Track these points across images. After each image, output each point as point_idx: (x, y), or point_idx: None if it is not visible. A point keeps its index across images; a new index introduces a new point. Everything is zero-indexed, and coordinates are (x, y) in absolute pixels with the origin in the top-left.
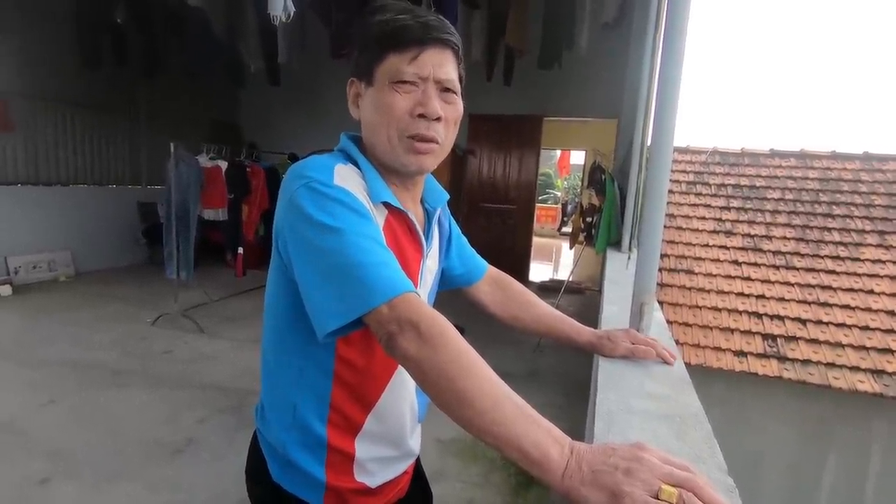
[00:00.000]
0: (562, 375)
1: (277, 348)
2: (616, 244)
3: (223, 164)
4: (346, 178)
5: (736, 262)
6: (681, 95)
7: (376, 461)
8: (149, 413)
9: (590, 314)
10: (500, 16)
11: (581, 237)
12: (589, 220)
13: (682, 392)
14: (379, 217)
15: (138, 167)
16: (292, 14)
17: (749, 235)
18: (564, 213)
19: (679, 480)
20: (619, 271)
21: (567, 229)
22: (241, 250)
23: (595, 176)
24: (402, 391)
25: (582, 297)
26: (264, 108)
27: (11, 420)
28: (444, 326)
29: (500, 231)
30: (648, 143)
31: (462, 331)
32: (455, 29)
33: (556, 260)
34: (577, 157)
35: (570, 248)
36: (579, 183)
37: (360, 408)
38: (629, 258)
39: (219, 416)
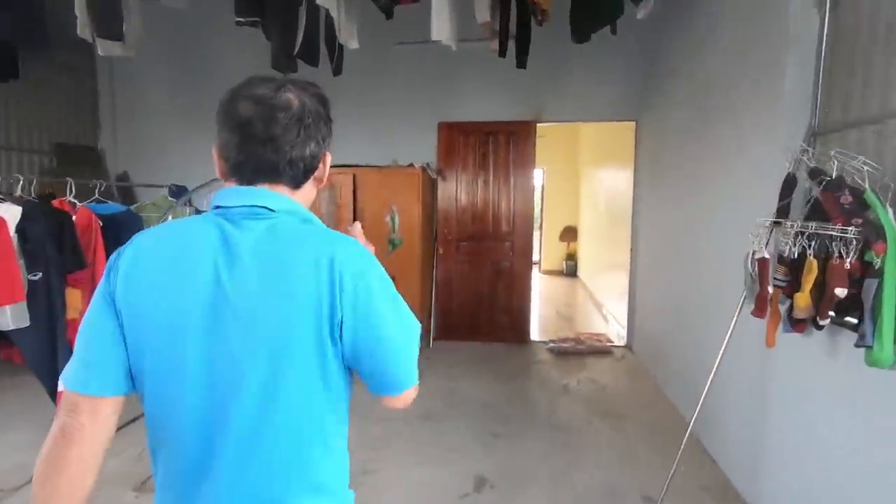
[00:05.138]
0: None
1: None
2: None
3: (12, 212)
4: None
5: None
6: None
7: None
8: None
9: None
10: None
11: (820, 322)
12: (840, 291)
13: None
14: None
15: None
16: None
17: None
18: (764, 276)
19: None
20: None
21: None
22: (62, 386)
23: (840, 195)
24: None
25: (617, 360)
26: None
27: None
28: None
29: (491, 277)
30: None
31: None
32: None
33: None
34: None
35: (769, 345)
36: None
37: None
38: None
39: None
